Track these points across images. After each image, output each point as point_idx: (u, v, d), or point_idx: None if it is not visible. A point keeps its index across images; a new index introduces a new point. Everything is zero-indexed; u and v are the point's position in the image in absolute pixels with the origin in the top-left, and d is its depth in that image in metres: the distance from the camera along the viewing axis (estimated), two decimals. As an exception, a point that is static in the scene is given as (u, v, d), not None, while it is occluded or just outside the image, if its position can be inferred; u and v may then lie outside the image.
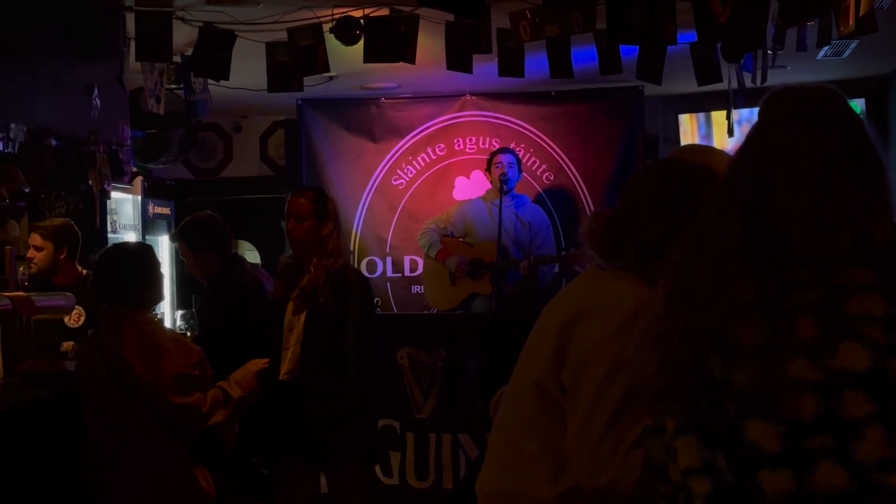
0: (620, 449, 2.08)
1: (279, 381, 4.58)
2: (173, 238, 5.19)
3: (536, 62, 6.53)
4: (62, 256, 5.52)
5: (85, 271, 5.55)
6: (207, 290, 5.21)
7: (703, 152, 2.67)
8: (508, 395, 2.43)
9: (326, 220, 4.67)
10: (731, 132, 7.99)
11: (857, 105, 8.69)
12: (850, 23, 5.17)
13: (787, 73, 7.54)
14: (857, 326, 1.47)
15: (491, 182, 7.66)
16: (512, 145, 8.41)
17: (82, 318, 5.30)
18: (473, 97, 8.98)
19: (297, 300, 4.65)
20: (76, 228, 5.61)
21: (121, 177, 6.36)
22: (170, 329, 5.87)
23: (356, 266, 8.85)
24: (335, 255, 4.64)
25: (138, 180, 7.61)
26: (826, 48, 6.99)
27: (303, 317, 4.61)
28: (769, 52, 6.25)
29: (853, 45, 7.42)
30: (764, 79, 6.48)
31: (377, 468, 6.04)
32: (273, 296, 4.80)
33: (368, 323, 4.65)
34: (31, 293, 4.87)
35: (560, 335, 2.26)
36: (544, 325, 2.37)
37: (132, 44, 6.27)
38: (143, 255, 4.27)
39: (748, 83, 6.74)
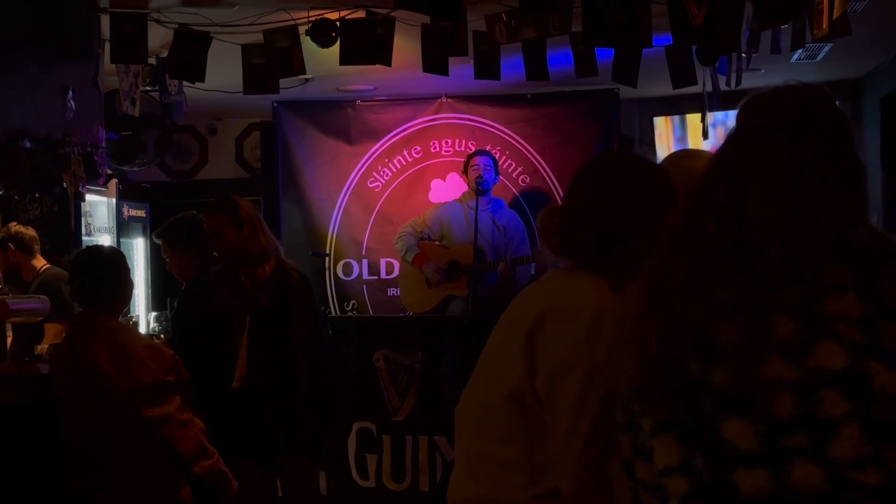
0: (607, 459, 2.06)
1: (233, 388, 4.57)
2: (156, 235, 5.21)
3: (512, 65, 6.55)
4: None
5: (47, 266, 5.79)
6: (185, 292, 5.21)
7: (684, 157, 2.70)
8: (476, 402, 2.37)
9: (242, 226, 4.64)
10: (705, 135, 8.03)
11: (831, 108, 8.73)
12: (824, 26, 5.20)
13: (761, 76, 7.58)
14: (834, 326, 1.48)
15: (467, 184, 7.67)
16: (488, 147, 8.42)
17: None
18: (449, 100, 8.98)
19: (239, 306, 4.64)
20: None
21: (95, 179, 6.33)
22: (143, 334, 5.86)
23: (332, 267, 8.88)
24: (263, 259, 4.60)
25: (113, 182, 7.57)
26: (800, 51, 7.05)
27: (247, 321, 4.61)
28: (743, 54, 6.29)
29: (827, 49, 7.48)
30: (738, 81, 6.52)
31: (353, 470, 6.03)
32: (217, 306, 4.77)
33: (315, 320, 4.62)
34: (6, 296, 4.85)
35: (528, 340, 2.23)
36: (509, 331, 2.33)
37: (107, 45, 6.25)
38: (117, 258, 4.25)
39: (723, 86, 6.78)
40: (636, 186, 2.36)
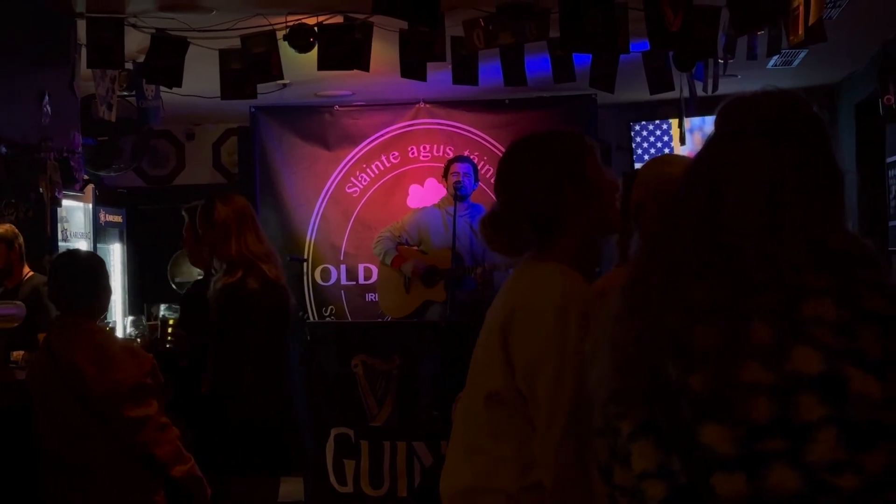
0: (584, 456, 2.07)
1: (202, 395, 4.54)
2: (187, 210, 4.91)
3: (490, 70, 6.55)
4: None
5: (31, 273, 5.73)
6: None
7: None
8: (465, 402, 2.42)
9: (213, 228, 4.44)
10: (682, 140, 8.06)
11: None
12: (800, 32, 5.22)
13: (737, 82, 7.62)
14: (811, 330, 1.49)
15: (446, 189, 7.68)
16: (466, 153, 8.42)
17: None
18: (427, 105, 8.98)
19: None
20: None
21: (72, 184, 6.31)
22: (121, 337, 5.83)
23: (310, 272, 8.86)
24: (233, 266, 4.39)
25: (90, 188, 7.54)
26: (776, 57, 7.07)
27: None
28: (720, 60, 6.32)
29: (802, 55, 7.52)
30: (715, 87, 6.55)
31: (331, 476, 6.03)
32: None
33: (272, 331, 4.42)
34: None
35: (502, 338, 2.26)
36: (488, 329, 2.37)
37: (83, 50, 6.22)
38: (96, 263, 4.24)
39: (699, 92, 6.80)
40: (555, 158, 2.36)
